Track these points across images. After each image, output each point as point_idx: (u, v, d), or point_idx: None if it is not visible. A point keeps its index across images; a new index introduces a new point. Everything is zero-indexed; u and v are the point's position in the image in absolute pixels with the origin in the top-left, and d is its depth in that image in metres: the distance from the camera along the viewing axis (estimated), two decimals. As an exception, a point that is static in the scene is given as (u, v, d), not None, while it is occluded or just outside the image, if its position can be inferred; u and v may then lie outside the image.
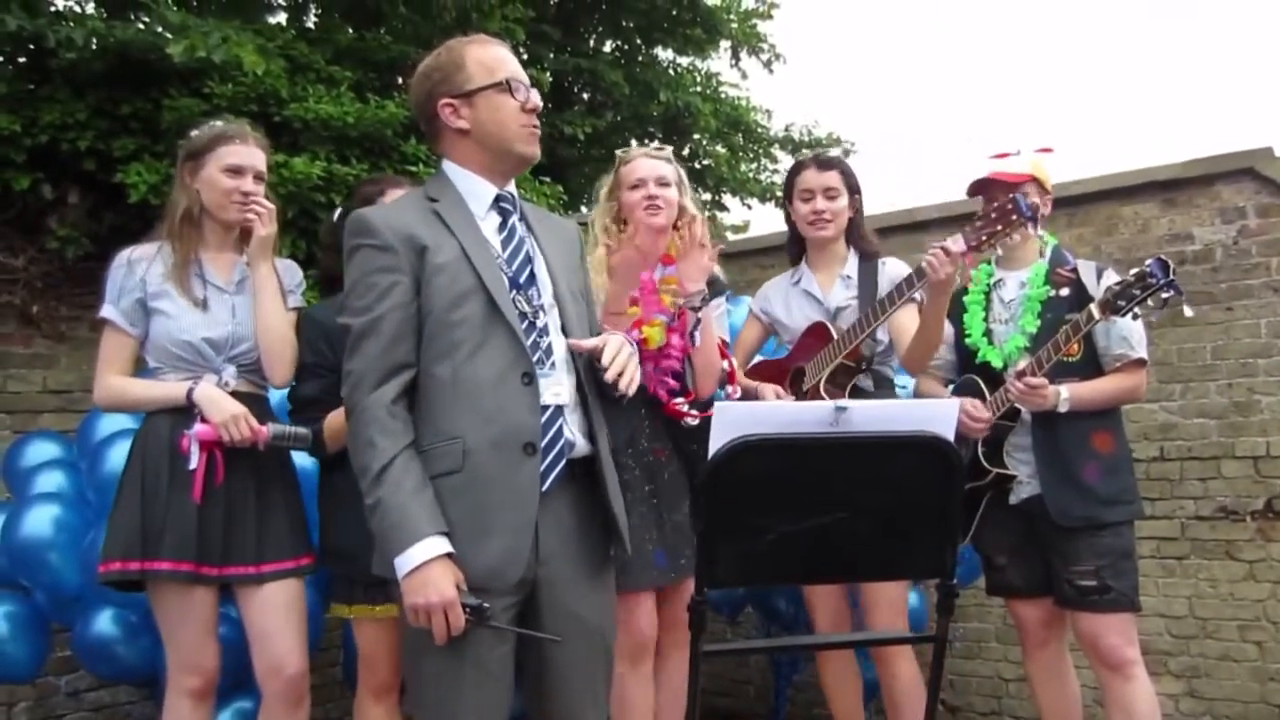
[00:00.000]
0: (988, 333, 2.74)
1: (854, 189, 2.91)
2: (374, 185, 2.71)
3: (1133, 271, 2.43)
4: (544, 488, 1.76)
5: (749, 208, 6.58)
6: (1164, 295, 2.40)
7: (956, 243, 2.54)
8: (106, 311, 2.39)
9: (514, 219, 1.91)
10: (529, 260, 1.88)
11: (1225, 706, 3.63)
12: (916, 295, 2.68)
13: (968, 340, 2.75)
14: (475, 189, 1.88)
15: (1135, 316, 2.45)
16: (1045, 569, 2.65)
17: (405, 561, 1.65)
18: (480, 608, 1.64)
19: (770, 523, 1.61)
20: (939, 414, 1.68)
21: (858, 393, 2.77)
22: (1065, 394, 2.53)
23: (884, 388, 2.86)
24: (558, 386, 1.82)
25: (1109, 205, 3.89)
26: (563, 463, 1.80)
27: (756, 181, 6.48)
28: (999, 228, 2.51)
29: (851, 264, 2.90)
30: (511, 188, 1.94)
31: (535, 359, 1.79)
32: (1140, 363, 2.63)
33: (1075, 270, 2.67)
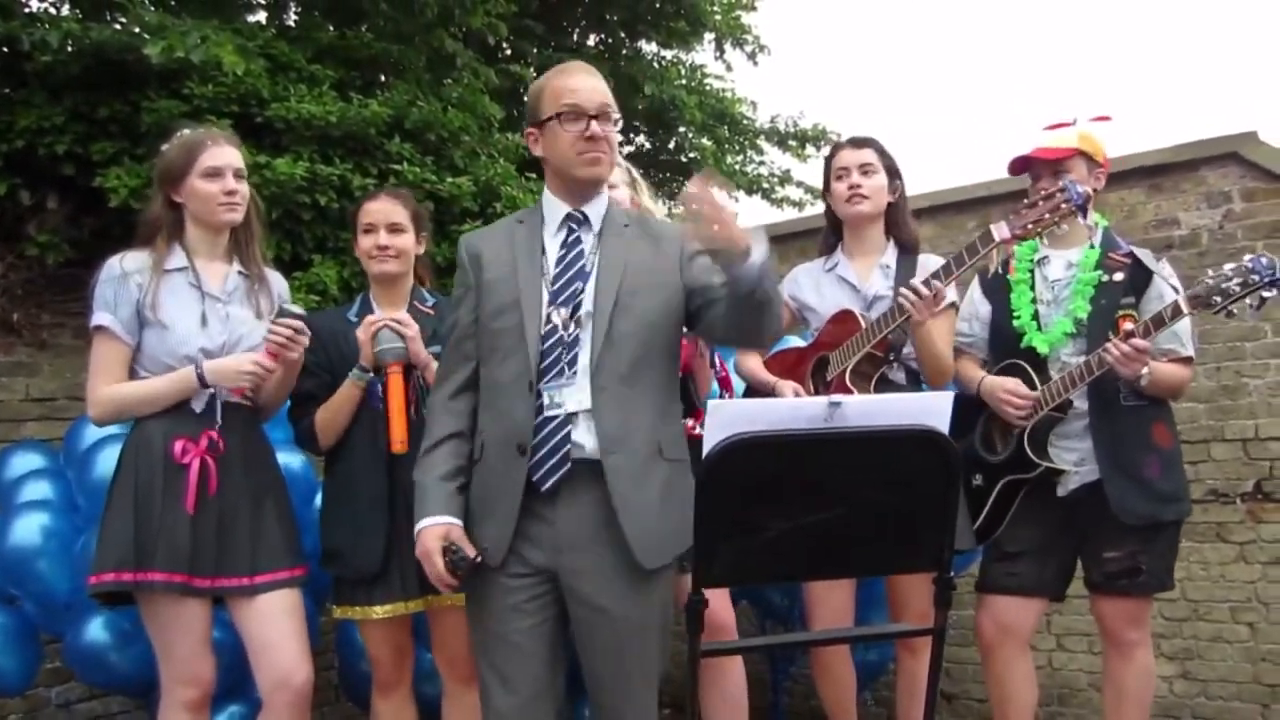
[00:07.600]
0: (1035, 315, 2.61)
1: (893, 171, 2.78)
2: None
3: (1229, 266, 2.28)
4: (546, 485, 1.91)
5: (736, 200, 6.57)
6: (1265, 295, 2.23)
7: (1000, 230, 2.42)
8: (103, 320, 2.30)
9: (580, 233, 2.02)
10: (582, 274, 1.98)
11: (1219, 687, 3.65)
12: (951, 295, 2.59)
13: (1016, 322, 2.60)
14: (552, 209, 2.06)
15: (1229, 314, 2.30)
16: (1063, 566, 2.59)
17: (417, 531, 1.98)
18: (462, 558, 1.92)
19: (767, 520, 1.61)
20: (934, 407, 1.68)
21: (886, 384, 2.68)
22: (1147, 370, 2.36)
23: (915, 382, 2.73)
24: (579, 394, 1.92)
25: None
26: (567, 465, 1.91)
27: (743, 174, 6.46)
28: (1045, 216, 2.38)
29: (890, 254, 2.78)
30: (591, 206, 2.04)
31: (557, 369, 1.92)
32: (1188, 360, 2.52)
33: (1130, 255, 2.55)
